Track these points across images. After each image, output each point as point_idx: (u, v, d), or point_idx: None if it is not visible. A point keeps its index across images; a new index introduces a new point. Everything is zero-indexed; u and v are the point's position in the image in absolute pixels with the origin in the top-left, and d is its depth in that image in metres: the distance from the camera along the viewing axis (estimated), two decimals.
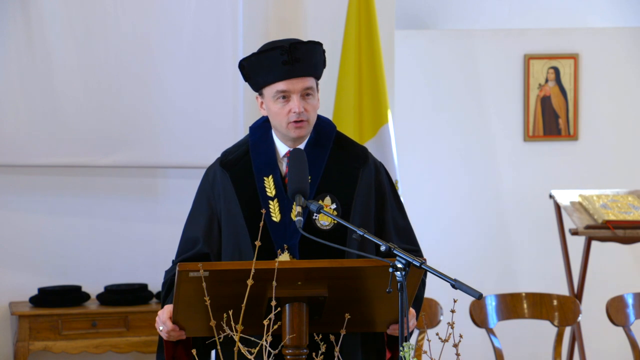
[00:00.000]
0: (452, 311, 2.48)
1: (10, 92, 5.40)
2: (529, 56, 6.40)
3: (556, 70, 6.41)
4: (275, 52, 2.99)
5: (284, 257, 2.96)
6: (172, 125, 5.51)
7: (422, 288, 3.10)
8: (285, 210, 3.01)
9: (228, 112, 5.54)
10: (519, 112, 6.43)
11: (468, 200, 6.40)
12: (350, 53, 5.67)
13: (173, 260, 3.12)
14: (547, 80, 6.42)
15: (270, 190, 3.05)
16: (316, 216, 3.00)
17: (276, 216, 3.02)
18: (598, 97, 6.48)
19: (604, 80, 6.48)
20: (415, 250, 3.12)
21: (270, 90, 3.02)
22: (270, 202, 3.03)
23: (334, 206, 3.04)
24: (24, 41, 5.38)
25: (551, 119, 6.43)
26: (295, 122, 3.00)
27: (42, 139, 5.41)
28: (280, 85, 2.99)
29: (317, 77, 3.07)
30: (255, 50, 3.10)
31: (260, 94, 3.07)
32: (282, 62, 2.97)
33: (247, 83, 3.15)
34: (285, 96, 3.00)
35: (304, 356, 2.72)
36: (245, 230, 3.02)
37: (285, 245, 2.96)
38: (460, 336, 2.45)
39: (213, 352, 3.08)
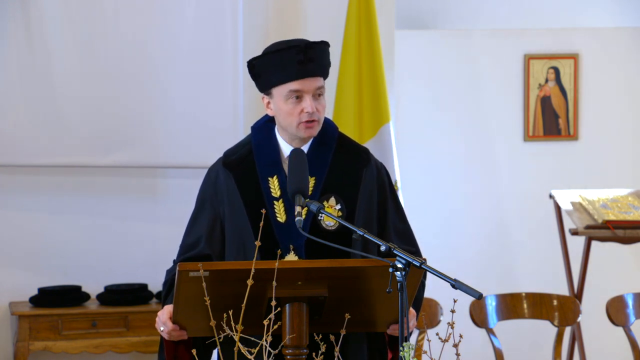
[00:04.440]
0: (452, 311, 2.48)
1: (10, 92, 5.40)
2: (529, 56, 6.40)
3: (556, 70, 6.41)
4: (291, 52, 2.98)
5: (290, 257, 2.96)
6: (172, 125, 5.51)
7: (422, 289, 3.10)
8: (290, 210, 3.00)
9: (228, 112, 5.53)
10: (519, 112, 6.43)
11: (468, 200, 6.40)
12: (350, 53, 5.67)
13: (174, 260, 3.12)
14: (547, 80, 6.42)
15: (275, 191, 3.05)
16: (321, 217, 3.00)
17: (282, 217, 3.02)
18: (598, 97, 6.48)
19: (604, 80, 6.48)
20: (415, 252, 3.12)
21: (282, 90, 3.00)
22: (276, 202, 3.03)
23: (338, 207, 3.04)
24: (24, 41, 5.38)
25: (551, 119, 6.43)
26: (307, 122, 3.00)
27: (42, 139, 5.41)
28: (294, 85, 2.98)
29: (326, 77, 3.07)
30: (255, 50, 3.10)
31: (268, 94, 3.05)
32: (298, 61, 2.96)
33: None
34: (298, 96, 2.99)
35: (304, 356, 2.72)
36: (250, 231, 3.01)
37: (291, 245, 2.96)
38: (460, 336, 2.45)
39: (215, 352, 3.09)
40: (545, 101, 6.42)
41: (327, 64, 3.07)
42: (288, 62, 2.97)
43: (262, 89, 3.08)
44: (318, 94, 3.01)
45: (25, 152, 5.43)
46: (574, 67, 6.43)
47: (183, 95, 5.51)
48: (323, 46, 3.05)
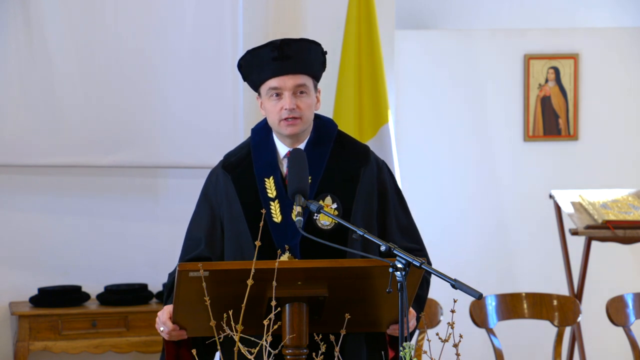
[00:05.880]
0: (452, 311, 2.48)
1: (10, 92, 5.40)
2: (529, 56, 6.40)
3: (556, 70, 6.41)
4: (267, 49, 3.00)
5: (284, 257, 2.96)
6: (172, 126, 5.51)
7: (427, 287, 3.10)
8: (286, 210, 3.01)
9: (228, 112, 5.54)
10: (519, 112, 6.43)
11: (468, 200, 6.39)
12: (350, 53, 5.67)
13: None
14: (547, 80, 6.41)
15: (271, 191, 3.05)
16: (317, 216, 3.00)
17: (277, 217, 3.02)
18: (598, 97, 6.48)
19: (604, 80, 6.48)
20: (419, 249, 3.12)
21: (264, 88, 3.04)
22: (271, 203, 3.03)
23: (334, 206, 3.04)
24: (24, 42, 5.38)
25: (551, 119, 6.42)
26: (287, 119, 3.00)
27: (42, 139, 5.41)
28: (272, 82, 3.00)
29: (313, 75, 3.05)
30: None
31: (259, 94, 3.08)
32: (272, 58, 2.99)
33: (245, 83, 3.16)
34: (278, 93, 3.01)
35: (304, 356, 2.72)
36: (247, 232, 3.02)
37: (286, 245, 2.96)
38: (460, 336, 2.45)
39: (217, 354, 3.09)
40: (545, 101, 6.42)
41: (313, 62, 3.05)
42: (265, 60, 3.00)
43: (254, 89, 3.10)
44: (300, 92, 3.01)
45: (25, 152, 5.43)
46: (574, 67, 6.43)
47: (183, 95, 5.51)
48: (304, 43, 3.04)
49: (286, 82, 2.99)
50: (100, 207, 5.72)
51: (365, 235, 2.67)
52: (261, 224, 2.57)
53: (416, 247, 3.11)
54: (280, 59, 2.98)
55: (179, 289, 2.69)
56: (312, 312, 2.75)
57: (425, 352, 2.44)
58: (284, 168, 3.06)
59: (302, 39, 3.07)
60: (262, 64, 3.00)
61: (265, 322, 2.34)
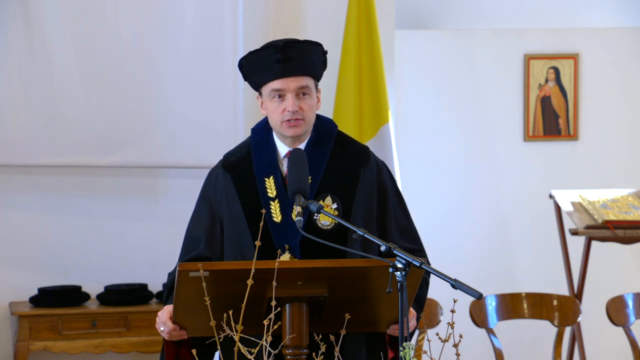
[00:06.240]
0: (452, 311, 2.48)
1: (10, 93, 5.40)
2: (529, 56, 6.40)
3: (556, 70, 6.41)
4: (270, 51, 3.00)
5: (285, 257, 2.96)
6: (172, 126, 5.51)
7: (426, 288, 3.10)
8: (286, 210, 3.01)
9: (228, 112, 5.54)
10: (519, 112, 6.43)
11: (468, 200, 6.40)
12: (350, 53, 5.67)
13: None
14: (547, 80, 6.41)
15: (271, 191, 3.05)
16: (317, 216, 3.00)
17: (277, 217, 3.02)
18: (598, 97, 6.48)
19: (604, 80, 6.48)
20: (418, 250, 3.12)
21: (266, 89, 3.04)
22: (271, 202, 3.04)
23: (334, 206, 3.04)
24: (24, 42, 5.38)
25: (551, 119, 6.42)
26: (289, 120, 3.00)
27: (42, 139, 5.41)
28: (275, 84, 3.01)
29: (315, 76, 3.06)
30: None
31: (260, 94, 3.08)
32: (276, 60, 2.99)
33: (245, 83, 3.17)
34: (280, 95, 3.01)
35: (304, 356, 2.72)
36: (247, 231, 3.02)
37: (286, 245, 2.96)
38: (460, 336, 2.45)
39: (217, 354, 3.09)
40: (545, 101, 6.42)
41: (315, 63, 3.06)
42: (268, 62, 3.00)
43: (254, 89, 3.11)
44: (302, 93, 3.02)
45: (25, 152, 5.43)
46: (574, 67, 6.43)
47: (183, 95, 5.51)
48: (307, 45, 3.05)
49: (289, 84, 3.00)
50: (100, 207, 5.72)
51: (365, 235, 2.67)
52: (261, 223, 2.57)
53: (415, 248, 3.11)
54: (283, 61, 2.99)
55: (179, 289, 2.69)
56: (312, 312, 2.75)
57: (425, 352, 2.44)
58: (284, 168, 3.07)
59: (305, 40, 3.07)
60: (265, 65, 3.00)
61: (265, 322, 2.34)
